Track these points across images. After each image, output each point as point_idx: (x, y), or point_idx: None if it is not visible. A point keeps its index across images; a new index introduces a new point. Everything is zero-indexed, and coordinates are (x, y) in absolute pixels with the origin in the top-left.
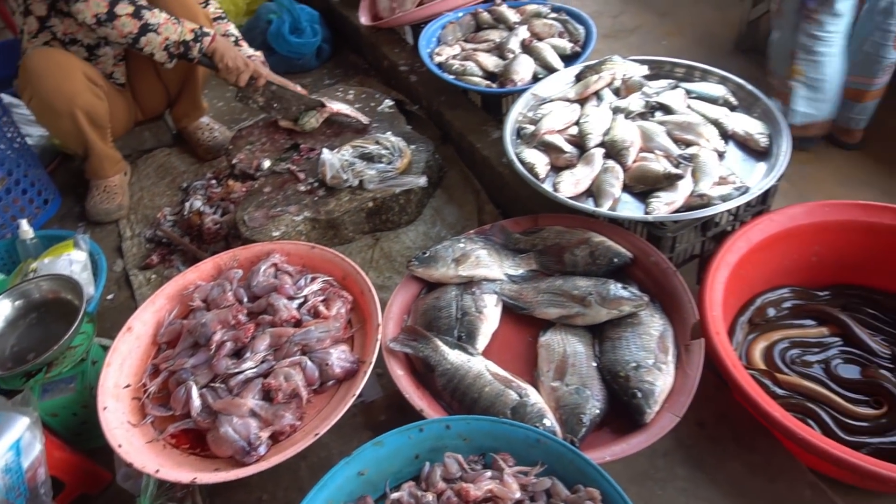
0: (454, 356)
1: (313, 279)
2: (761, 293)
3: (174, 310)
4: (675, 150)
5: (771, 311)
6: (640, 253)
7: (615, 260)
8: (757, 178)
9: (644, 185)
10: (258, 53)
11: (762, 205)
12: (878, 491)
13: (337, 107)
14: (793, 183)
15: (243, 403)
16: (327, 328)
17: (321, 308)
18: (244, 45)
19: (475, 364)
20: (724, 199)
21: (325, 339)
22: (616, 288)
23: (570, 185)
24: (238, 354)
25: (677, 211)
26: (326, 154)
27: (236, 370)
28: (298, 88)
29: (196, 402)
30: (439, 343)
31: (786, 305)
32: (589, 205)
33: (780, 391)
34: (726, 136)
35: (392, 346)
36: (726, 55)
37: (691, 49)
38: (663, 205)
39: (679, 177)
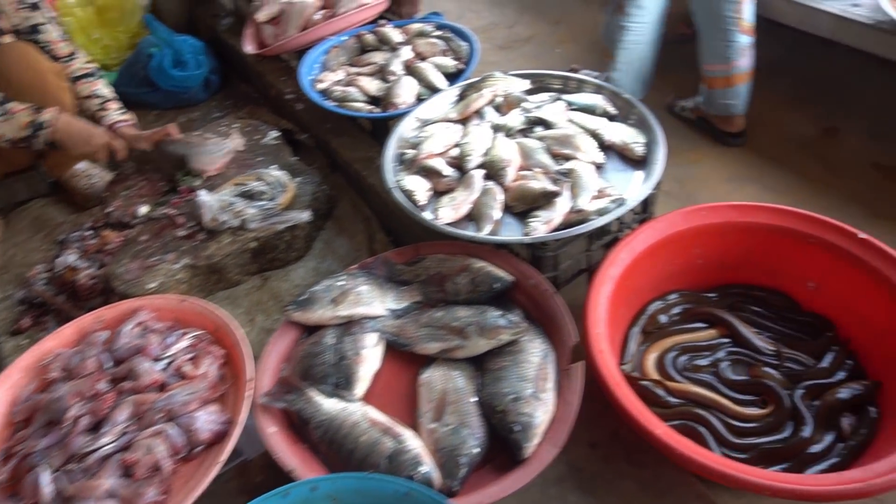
0: (330, 406)
1: (183, 335)
2: (652, 301)
3: (31, 384)
4: (553, 166)
5: (662, 318)
6: (521, 276)
7: (496, 285)
8: (635, 187)
9: (524, 205)
10: (126, 117)
11: (644, 213)
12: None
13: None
14: (682, 184)
15: (98, 485)
16: (193, 389)
17: (187, 368)
18: (112, 107)
19: (353, 412)
20: (601, 213)
21: (191, 401)
22: (494, 316)
23: (449, 211)
24: (98, 428)
25: (557, 229)
26: (203, 196)
27: (93, 447)
28: (173, 133)
29: (46, 489)
30: (313, 394)
31: (676, 311)
32: (470, 229)
33: (672, 399)
34: (605, 146)
35: (263, 401)
36: None
37: (585, 55)
38: (542, 224)
39: (556, 194)
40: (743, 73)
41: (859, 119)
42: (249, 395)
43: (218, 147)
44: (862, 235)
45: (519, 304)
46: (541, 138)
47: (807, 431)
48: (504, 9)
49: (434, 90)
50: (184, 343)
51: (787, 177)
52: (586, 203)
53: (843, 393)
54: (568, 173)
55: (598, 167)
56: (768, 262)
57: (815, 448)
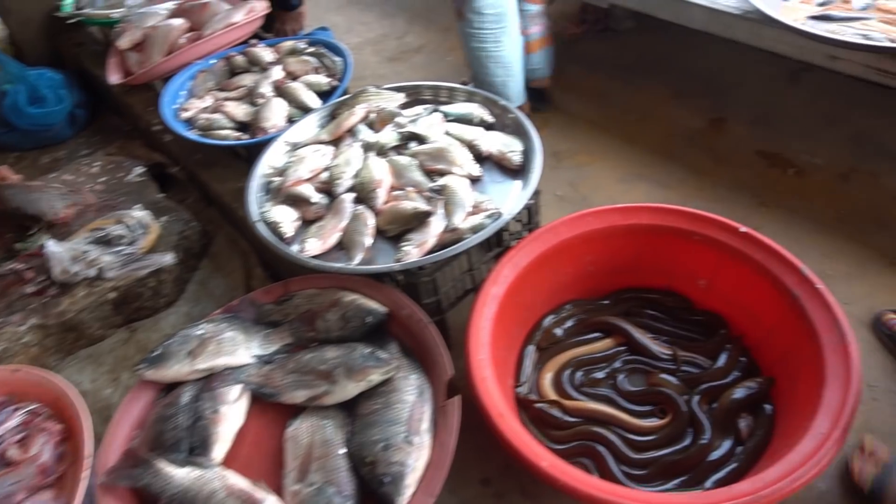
0: (182, 476)
1: (14, 411)
2: (546, 314)
3: None
4: (427, 184)
5: (558, 332)
6: (395, 306)
7: (368, 319)
8: (514, 198)
9: (398, 227)
10: None
11: (530, 223)
12: None
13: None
14: (576, 187)
15: None
16: (19, 477)
17: (14, 452)
18: None
19: (209, 480)
20: (476, 230)
21: (16, 491)
22: (362, 355)
23: (316, 242)
24: None
25: (434, 250)
26: (51, 247)
27: None
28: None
29: None
30: (162, 465)
31: (570, 323)
32: (342, 259)
33: (570, 419)
34: (482, 157)
35: (104, 481)
36: None
37: None
38: (414, 248)
39: (429, 214)
40: (537, 39)
41: (742, 108)
42: (86, 476)
43: (59, 197)
44: (743, 229)
45: (395, 336)
46: (414, 154)
47: (705, 438)
48: (394, 19)
49: (306, 110)
50: (13, 422)
51: (677, 171)
52: (461, 221)
53: (738, 393)
54: (441, 190)
55: (475, 180)
56: (659, 262)
57: (715, 455)
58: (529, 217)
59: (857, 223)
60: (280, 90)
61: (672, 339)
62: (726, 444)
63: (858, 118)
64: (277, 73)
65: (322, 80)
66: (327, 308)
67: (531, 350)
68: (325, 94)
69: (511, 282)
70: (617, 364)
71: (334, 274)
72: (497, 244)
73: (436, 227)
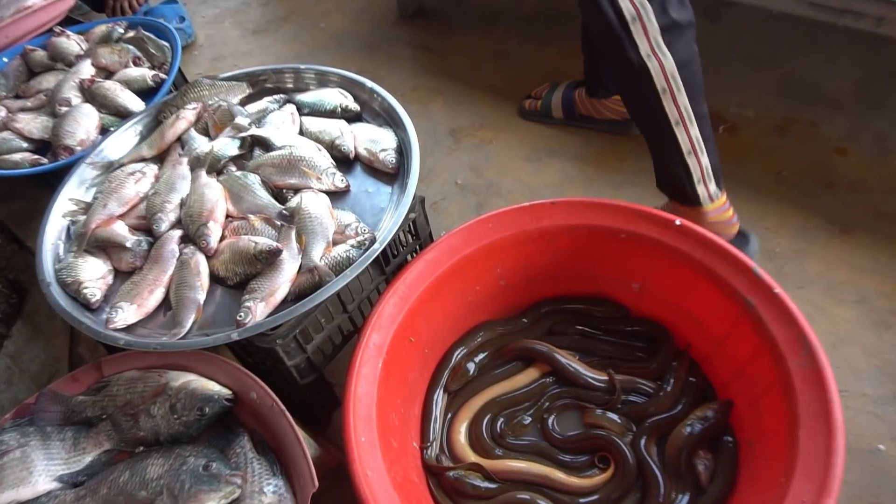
0: None
1: None
2: (454, 346)
3: None
4: (275, 207)
5: (470, 367)
6: (241, 387)
7: (206, 409)
8: (392, 211)
9: (241, 271)
10: None
11: (417, 237)
12: None
13: None
14: (479, 172)
15: None
16: None
17: None
18: None
19: None
20: (338, 268)
21: None
22: (192, 472)
23: (129, 308)
24: None
25: (298, 297)
26: None
27: None
28: None
29: None
30: None
31: (484, 354)
32: (166, 324)
33: (494, 485)
34: (349, 160)
35: None
36: (392, 25)
37: (354, 26)
38: (260, 302)
39: (276, 252)
40: None
41: None
42: None
43: None
44: (679, 222)
45: (248, 426)
46: (257, 167)
47: (659, 492)
48: None
49: (124, 117)
50: None
51: (593, 139)
52: (319, 255)
53: (692, 427)
54: (293, 214)
55: (342, 194)
56: (583, 266)
57: None
58: (415, 230)
59: (801, 185)
60: (89, 92)
61: (607, 358)
62: (684, 499)
63: (787, 57)
64: (86, 69)
65: (145, 72)
66: (151, 398)
67: (439, 396)
68: (150, 93)
69: (400, 321)
70: (544, 402)
71: (153, 351)
72: (386, 262)
73: (289, 269)
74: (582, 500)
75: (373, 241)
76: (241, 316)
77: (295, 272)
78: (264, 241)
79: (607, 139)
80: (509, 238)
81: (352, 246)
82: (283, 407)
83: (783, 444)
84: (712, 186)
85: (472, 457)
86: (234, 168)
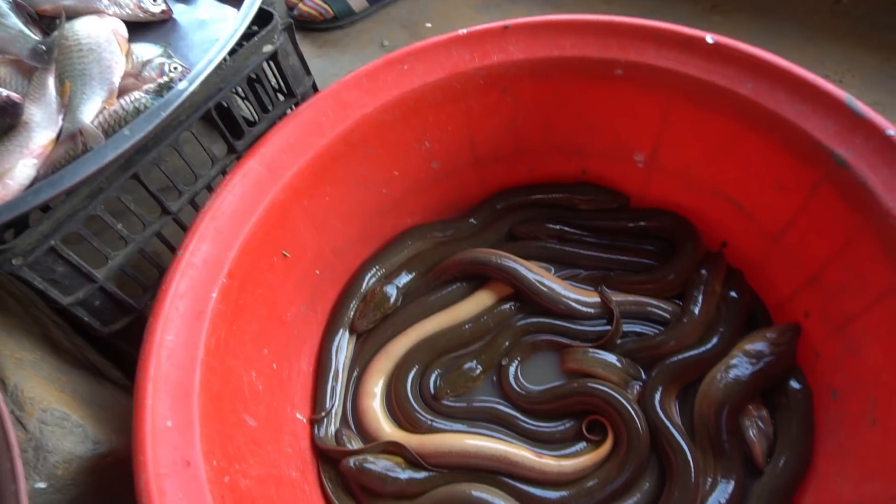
0: None
1: None
2: (366, 263)
3: None
4: (28, 42)
5: (390, 294)
6: None
7: None
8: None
9: None
10: None
11: (289, 93)
12: None
13: None
14: (413, 28)
15: None
16: None
17: None
18: None
19: None
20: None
21: None
22: None
23: None
24: None
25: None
26: None
27: None
28: None
29: None
30: None
31: (410, 275)
32: None
33: (421, 474)
34: None
35: None
36: None
37: None
38: None
39: (9, 108)
40: None
41: None
42: None
43: None
44: (711, 39)
45: None
46: None
47: (687, 477)
48: None
49: None
50: None
51: None
52: (92, 111)
53: (735, 370)
54: (52, 48)
55: (159, 25)
56: (556, 132)
57: None
58: (282, 78)
59: (869, 15)
60: None
61: (598, 270)
62: (727, 487)
63: None
64: None
65: None
66: None
67: (341, 341)
68: None
69: (257, 223)
70: (503, 341)
71: None
72: (236, 133)
73: (38, 136)
74: (562, 495)
75: (173, 85)
76: None
77: (50, 140)
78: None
79: None
80: (438, 87)
81: (147, 92)
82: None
83: None
84: None
85: (388, 431)
86: None
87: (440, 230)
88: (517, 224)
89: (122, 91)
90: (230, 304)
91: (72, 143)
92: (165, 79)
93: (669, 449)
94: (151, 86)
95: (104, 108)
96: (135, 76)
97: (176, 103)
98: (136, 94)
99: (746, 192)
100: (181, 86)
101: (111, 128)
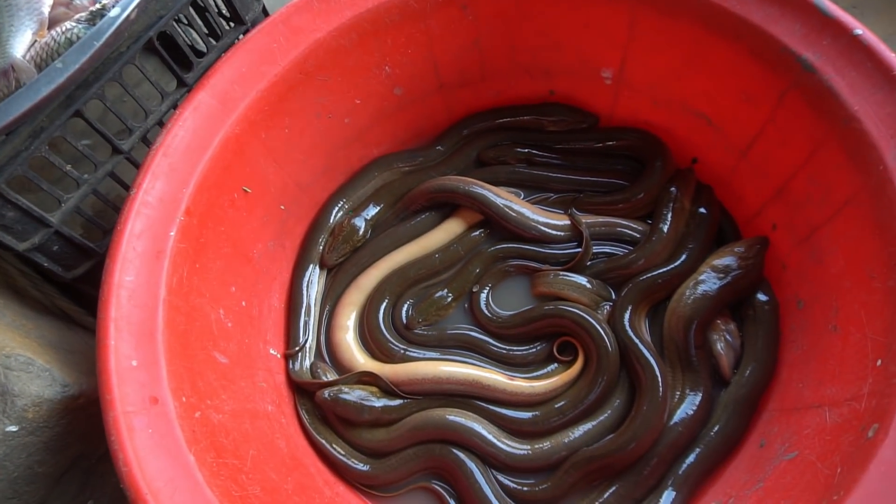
0: None
1: None
2: (333, 196)
3: None
4: None
5: (359, 226)
6: None
7: None
8: None
9: None
10: None
11: (235, 19)
12: None
13: None
14: None
15: None
16: None
17: None
18: None
19: None
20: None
21: None
22: None
23: None
24: None
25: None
26: None
27: None
28: None
29: None
30: None
31: (378, 207)
32: None
33: (396, 402)
34: None
35: None
36: None
37: None
38: None
39: None
40: None
41: None
42: None
43: None
44: None
45: None
46: None
47: (655, 391)
48: None
49: None
50: None
51: None
52: (23, 45)
53: (704, 285)
54: None
55: None
56: (521, 52)
57: (676, 419)
58: (230, 5)
59: None
60: None
61: (568, 192)
62: (695, 399)
63: None
64: None
65: None
66: None
67: (312, 275)
68: None
69: (212, 157)
70: (473, 268)
71: None
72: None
73: None
74: (535, 414)
75: (105, 13)
76: None
77: None
78: None
79: None
80: (393, 6)
81: (79, 21)
82: None
83: (877, 298)
84: None
85: (362, 362)
86: None
87: (407, 159)
88: (485, 149)
89: (54, 21)
90: (191, 242)
91: (4, 79)
92: (98, 6)
93: (638, 365)
94: (84, 14)
95: (35, 40)
96: (66, 4)
97: (109, 31)
98: (68, 24)
99: (715, 106)
100: (114, 12)
101: (44, 61)
